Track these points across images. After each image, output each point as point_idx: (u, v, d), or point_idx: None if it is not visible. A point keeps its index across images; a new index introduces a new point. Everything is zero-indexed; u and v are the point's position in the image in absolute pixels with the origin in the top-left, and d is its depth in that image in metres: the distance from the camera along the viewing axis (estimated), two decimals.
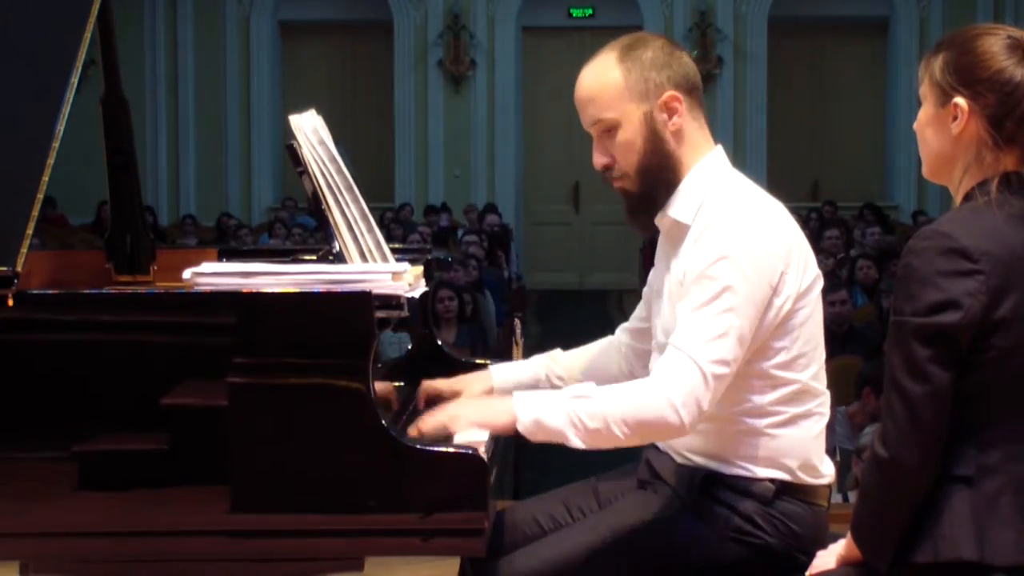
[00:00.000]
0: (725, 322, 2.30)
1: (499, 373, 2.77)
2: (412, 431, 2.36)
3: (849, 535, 2.19)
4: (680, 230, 2.46)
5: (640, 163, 2.46)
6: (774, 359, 2.39)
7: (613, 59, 2.46)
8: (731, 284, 2.31)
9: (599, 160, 2.49)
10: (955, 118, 2.14)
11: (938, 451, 2.06)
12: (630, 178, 2.48)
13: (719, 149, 2.52)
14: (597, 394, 2.32)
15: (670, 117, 2.45)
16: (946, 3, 15.01)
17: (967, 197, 2.14)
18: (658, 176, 2.46)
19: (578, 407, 2.30)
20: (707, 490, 2.43)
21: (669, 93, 2.45)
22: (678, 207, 2.46)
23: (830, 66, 15.73)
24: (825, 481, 2.47)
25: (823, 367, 2.47)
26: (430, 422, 2.37)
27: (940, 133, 2.17)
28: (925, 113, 2.20)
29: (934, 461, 2.06)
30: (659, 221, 2.51)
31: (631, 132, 2.45)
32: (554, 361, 2.79)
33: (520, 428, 2.33)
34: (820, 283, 2.45)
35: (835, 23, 15.52)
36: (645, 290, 2.68)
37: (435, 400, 2.67)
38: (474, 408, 2.40)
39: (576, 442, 2.30)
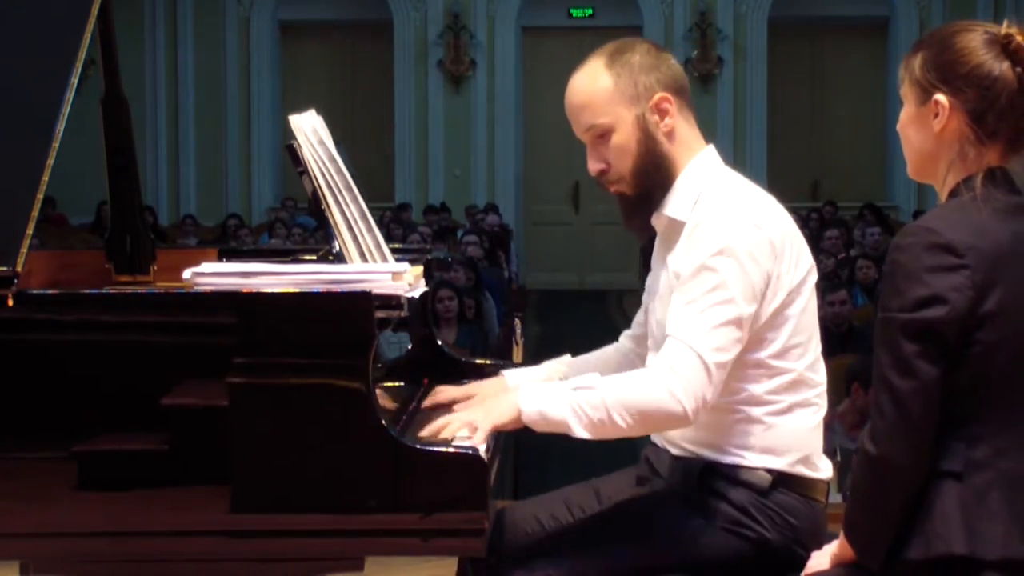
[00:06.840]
0: (724, 312, 2.33)
1: (512, 377, 2.78)
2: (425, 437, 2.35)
3: (842, 534, 2.19)
4: (676, 227, 2.49)
5: (635, 165, 2.49)
6: (768, 348, 2.42)
7: (601, 65, 2.50)
8: (729, 275, 2.34)
9: (594, 166, 2.52)
10: (936, 115, 2.15)
11: (927, 447, 2.06)
12: (626, 181, 2.51)
13: (711, 148, 2.55)
14: (600, 384, 2.35)
15: (662, 118, 2.48)
16: (946, 3, 15.01)
17: (952, 194, 2.15)
18: (654, 177, 2.49)
19: (581, 398, 2.33)
20: (704, 482, 2.45)
21: (659, 95, 2.48)
22: (673, 205, 2.49)
23: (830, 66, 15.75)
24: (822, 476, 2.49)
25: (820, 359, 2.50)
26: (445, 435, 2.36)
27: (922, 131, 2.18)
28: (906, 113, 2.21)
29: (924, 457, 2.06)
30: (655, 221, 2.54)
31: (625, 135, 2.48)
32: (565, 365, 2.80)
33: (525, 419, 2.36)
34: (814, 275, 2.49)
35: (835, 23, 15.53)
36: (644, 295, 2.70)
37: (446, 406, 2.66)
38: (484, 412, 2.40)
39: (580, 432, 2.33)
